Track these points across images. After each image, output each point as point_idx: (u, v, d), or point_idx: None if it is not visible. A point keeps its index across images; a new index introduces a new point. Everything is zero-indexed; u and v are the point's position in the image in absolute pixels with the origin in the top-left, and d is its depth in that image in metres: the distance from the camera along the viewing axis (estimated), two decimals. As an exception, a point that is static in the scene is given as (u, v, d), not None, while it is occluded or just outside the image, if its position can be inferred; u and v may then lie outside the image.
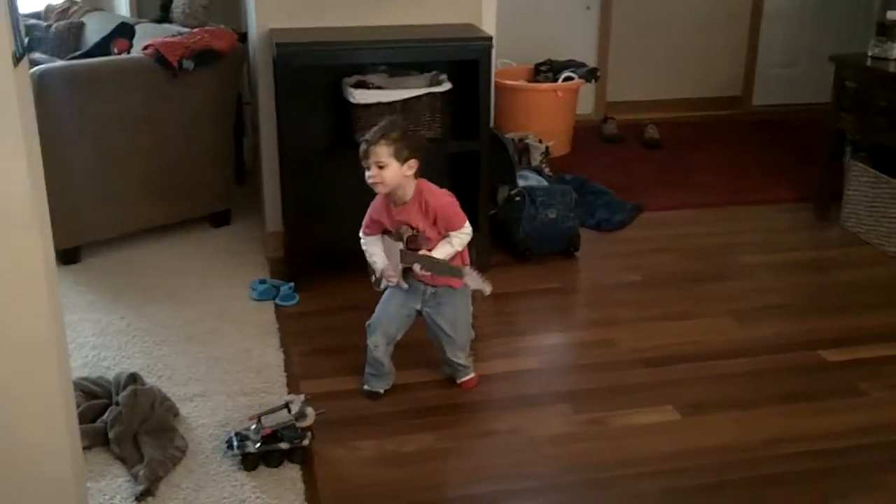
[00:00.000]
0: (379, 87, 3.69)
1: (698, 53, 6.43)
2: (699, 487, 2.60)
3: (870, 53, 4.36)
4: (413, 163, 2.76)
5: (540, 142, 4.83)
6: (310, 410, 2.65)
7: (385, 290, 2.98)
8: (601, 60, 6.19)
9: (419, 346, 3.06)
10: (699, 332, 3.46)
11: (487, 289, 2.76)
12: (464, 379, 3.06)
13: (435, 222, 2.84)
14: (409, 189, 2.82)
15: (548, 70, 5.65)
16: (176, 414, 2.84)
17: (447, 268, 2.81)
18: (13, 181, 1.72)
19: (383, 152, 2.72)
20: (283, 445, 2.63)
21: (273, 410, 2.68)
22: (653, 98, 6.40)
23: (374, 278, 2.98)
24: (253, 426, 2.65)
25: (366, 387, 3.02)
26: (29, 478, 1.92)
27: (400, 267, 2.85)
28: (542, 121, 5.28)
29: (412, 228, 2.83)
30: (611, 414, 2.94)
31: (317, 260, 3.85)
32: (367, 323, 2.99)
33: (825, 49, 6.08)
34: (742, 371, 3.20)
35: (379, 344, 2.95)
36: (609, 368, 3.22)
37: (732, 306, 3.67)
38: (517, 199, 4.04)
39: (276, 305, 3.61)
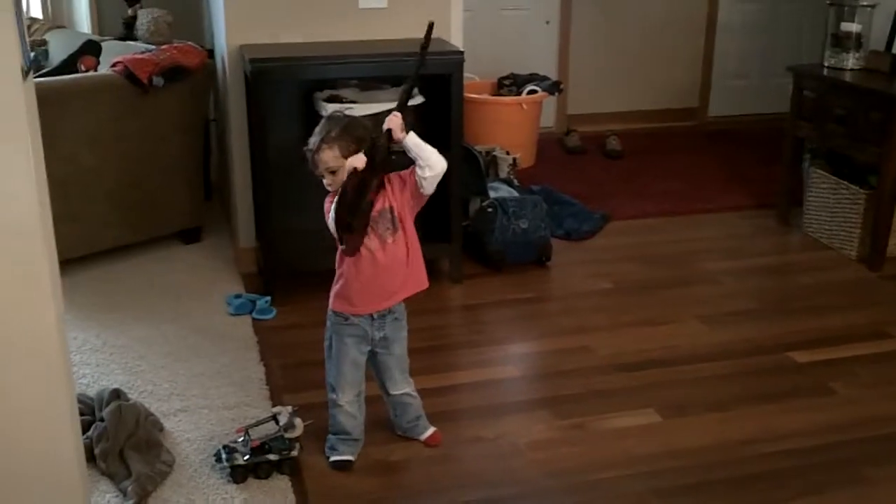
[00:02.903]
0: (351, 102, 3.72)
1: (656, 66, 6.56)
2: (683, 487, 2.66)
3: (826, 64, 4.49)
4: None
5: (507, 154, 4.89)
6: (298, 421, 2.66)
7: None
8: (562, 74, 6.29)
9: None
10: (672, 337, 3.54)
11: None
12: (429, 434, 2.86)
13: (403, 189, 2.60)
14: None
15: (511, 84, 5.73)
16: (161, 429, 2.83)
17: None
18: (22, 192, 1.74)
19: (329, 157, 2.55)
20: (272, 457, 2.64)
21: (261, 422, 2.69)
22: (613, 110, 6.51)
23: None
24: (241, 438, 2.66)
25: (333, 458, 2.73)
26: (38, 486, 1.92)
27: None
28: (508, 134, 5.34)
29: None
30: (592, 418, 2.99)
31: (292, 273, 3.86)
32: (329, 382, 2.75)
33: (776, 61, 6.27)
34: (716, 374, 3.28)
35: (349, 396, 2.71)
36: (587, 374, 3.27)
37: (702, 311, 3.75)
38: (489, 210, 4.09)
39: (254, 319, 3.61)
